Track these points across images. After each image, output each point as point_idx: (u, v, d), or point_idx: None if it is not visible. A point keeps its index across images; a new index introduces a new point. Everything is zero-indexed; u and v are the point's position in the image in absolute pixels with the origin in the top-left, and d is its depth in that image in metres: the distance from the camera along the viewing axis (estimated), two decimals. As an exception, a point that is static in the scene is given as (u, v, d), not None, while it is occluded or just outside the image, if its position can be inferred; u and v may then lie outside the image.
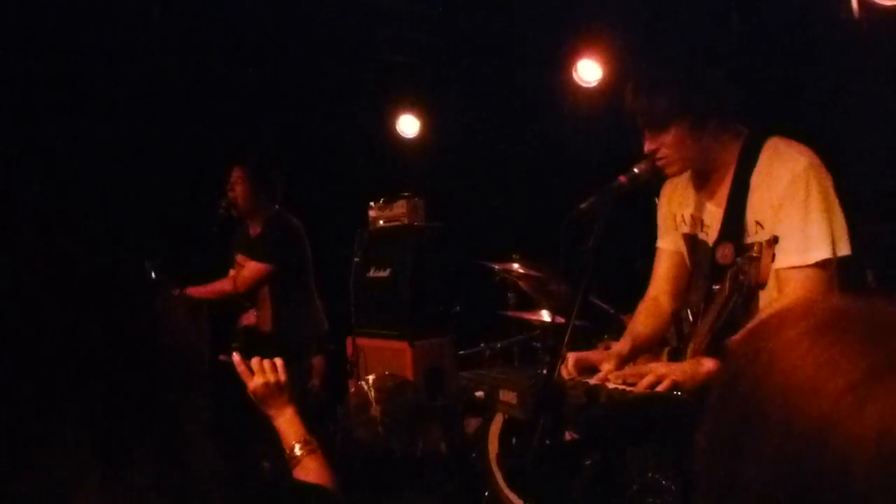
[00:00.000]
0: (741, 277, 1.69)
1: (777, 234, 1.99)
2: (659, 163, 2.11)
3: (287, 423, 1.69)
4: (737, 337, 1.91)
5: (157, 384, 0.62)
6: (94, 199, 4.84)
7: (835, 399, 0.54)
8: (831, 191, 2.04)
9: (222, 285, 4.20)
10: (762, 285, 1.66)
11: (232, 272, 4.31)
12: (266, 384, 1.72)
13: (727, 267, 2.07)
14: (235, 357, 1.77)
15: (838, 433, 0.53)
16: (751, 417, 0.58)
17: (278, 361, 1.75)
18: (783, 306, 1.78)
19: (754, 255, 1.65)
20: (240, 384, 1.75)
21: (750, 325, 1.92)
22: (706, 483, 0.62)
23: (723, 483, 0.59)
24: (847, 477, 0.52)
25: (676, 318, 2.41)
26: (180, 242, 4.27)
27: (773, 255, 1.76)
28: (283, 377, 1.73)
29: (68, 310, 0.59)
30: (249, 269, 4.10)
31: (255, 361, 1.75)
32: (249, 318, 4.24)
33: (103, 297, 0.62)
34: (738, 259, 1.76)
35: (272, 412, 1.72)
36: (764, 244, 1.66)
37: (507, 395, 2.02)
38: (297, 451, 1.62)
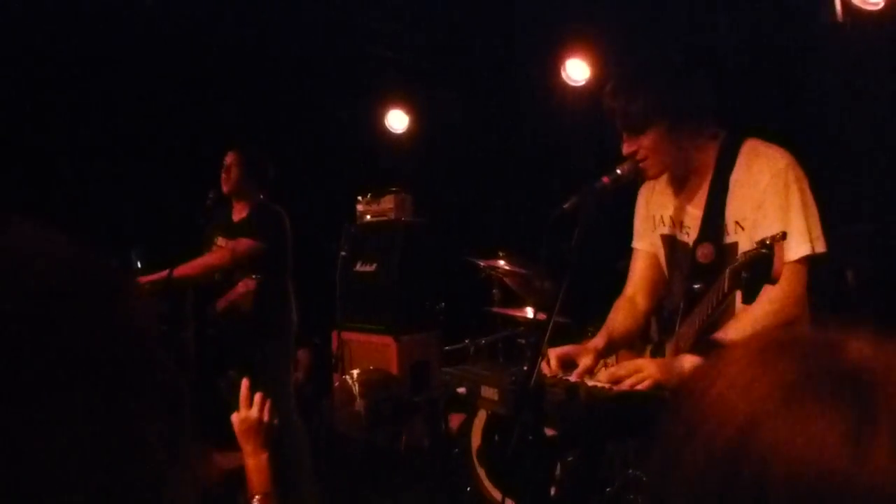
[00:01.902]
0: (744, 275, 1.70)
1: (758, 232, 2.02)
2: (640, 164, 2.14)
3: (257, 468, 1.70)
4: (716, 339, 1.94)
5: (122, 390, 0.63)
6: (83, 188, 4.84)
7: (759, 405, 0.56)
8: (808, 190, 2.08)
9: (213, 259, 4.10)
10: (775, 280, 1.67)
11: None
12: (258, 420, 1.73)
13: (708, 266, 2.10)
14: (245, 382, 1.78)
15: (757, 441, 0.55)
16: (687, 430, 0.60)
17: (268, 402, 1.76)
18: (764, 303, 1.81)
19: (765, 251, 1.66)
20: (230, 407, 1.76)
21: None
22: (651, 495, 0.64)
23: (659, 494, 0.61)
24: (762, 485, 0.54)
25: (658, 315, 2.45)
26: (167, 231, 4.26)
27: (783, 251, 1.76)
28: (275, 420, 1.75)
29: (54, 314, 0.60)
30: (245, 243, 4.07)
31: (258, 396, 1.76)
32: (239, 289, 4.09)
33: (88, 301, 0.63)
34: (741, 256, 1.78)
35: (248, 449, 1.73)
36: (774, 239, 1.67)
37: (489, 392, 2.05)
38: (255, 502, 1.65)
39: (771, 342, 0.62)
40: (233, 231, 4.15)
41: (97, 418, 0.58)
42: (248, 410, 1.74)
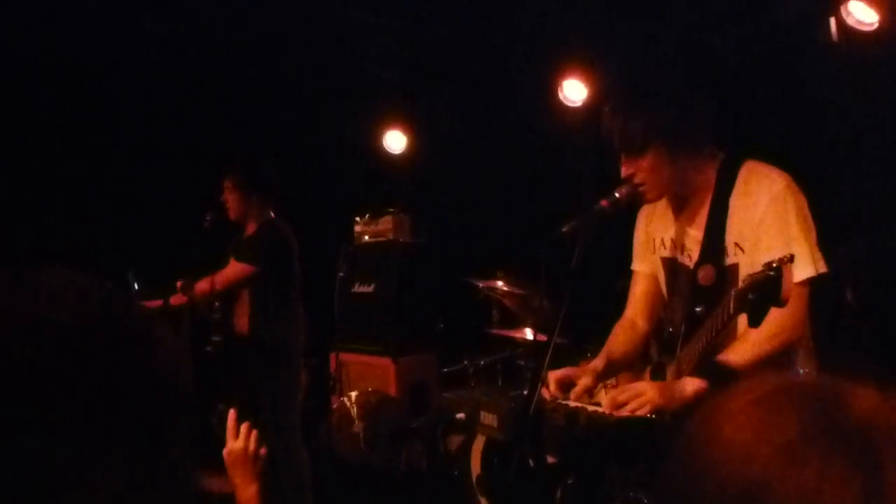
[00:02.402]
0: (751, 297, 1.69)
1: (758, 254, 2.02)
2: (639, 188, 2.14)
3: (247, 500, 1.68)
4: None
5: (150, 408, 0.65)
6: (81, 210, 4.83)
7: (765, 465, 0.55)
8: (808, 211, 2.08)
9: (202, 286, 4.13)
10: (783, 303, 1.66)
11: None
12: (244, 450, 1.71)
13: (709, 288, 2.09)
14: (231, 414, 1.77)
15: (766, 498, 0.54)
16: (690, 484, 0.59)
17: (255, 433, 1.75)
18: (767, 326, 1.80)
19: (773, 273, 1.65)
20: (222, 442, 1.75)
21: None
22: None
23: None
24: None
25: (658, 336, 2.44)
26: (165, 254, 4.25)
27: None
28: (262, 450, 1.73)
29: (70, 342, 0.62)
30: (231, 268, 4.05)
31: (244, 427, 1.74)
32: (178, 298, 4.00)
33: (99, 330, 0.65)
34: (747, 278, 1.77)
35: (238, 481, 1.71)
36: (782, 262, 1.66)
37: (488, 418, 2.03)
38: None
39: (776, 390, 0.61)
40: (239, 249, 4.13)
41: (131, 448, 0.61)
42: (235, 441, 1.72)
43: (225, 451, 1.73)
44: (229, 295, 4.08)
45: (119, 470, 0.60)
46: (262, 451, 1.73)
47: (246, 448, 1.71)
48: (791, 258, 1.66)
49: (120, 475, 0.60)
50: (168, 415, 0.66)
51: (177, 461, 0.66)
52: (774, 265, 1.65)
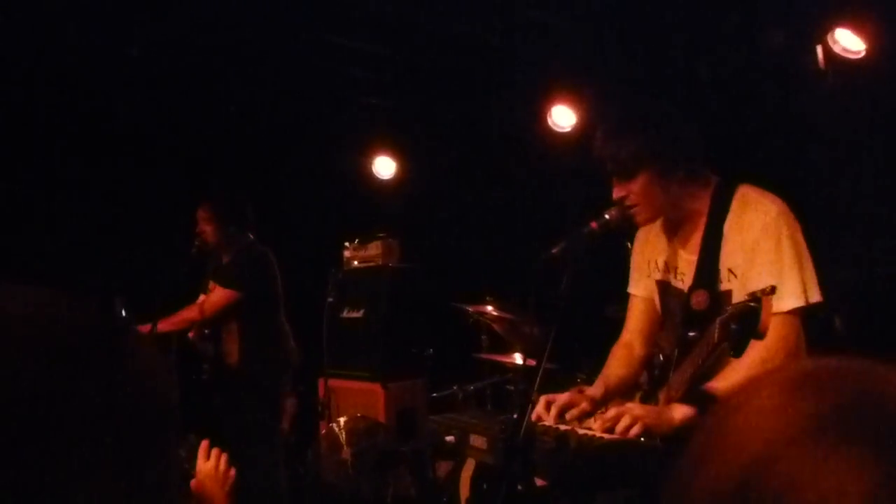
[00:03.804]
0: (733, 326, 1.69)
1: (750, 281, 2.01)
2: (630, 210, 2.13)
3: None
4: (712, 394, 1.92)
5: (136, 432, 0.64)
6: (68, 236, 4.80)
7: (779, 436, 0.52)
8: (801, 238, 2.08)
9: (189, 313, 4.12)
10: (761, 335, 1.66)
11: (202, 297, 4.25)
12: (215, 469, 1.69)
13: (702, 313, 2.08)
14: (203, 444, 1.75)
15: (773, 473, 0.51)
16: (706, 453, 0.56)
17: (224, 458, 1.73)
18: (757, 353, 1.80)
19: (753, 304, 1.65)
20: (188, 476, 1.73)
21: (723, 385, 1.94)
22: None
23: None
24: None
25: (648, 362, 2.43)
26: (152, 280, 4.22)
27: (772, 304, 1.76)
28: (232, 471, 1.71)
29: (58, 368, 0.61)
30: (217, 294, 4.05)
31: (215, 452, 1.73)
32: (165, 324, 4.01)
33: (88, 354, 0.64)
34: (731, 307, 1.77)
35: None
36: (764, 293, 1.66)
37: (478, 441, 2.01)
38: None
39: (805, 371, 0.57)
40: (220, 274, 4.13)
41: (121, 463, 0.60)
42: (205, 462, 1.70)
43: (194, 479, 1.71)
44: (217, 322, 4.07)
45: (110, 485, 0.59)
46: (232, 472, 1.70)
47: (216, 468, 1.69)
48: (772, 290, 1.67)
49: (111, 490, 0.59)
50: (158, 429, 0.65)
51: (166, 476, 0.65)
52: (757, 295, 1.66)
